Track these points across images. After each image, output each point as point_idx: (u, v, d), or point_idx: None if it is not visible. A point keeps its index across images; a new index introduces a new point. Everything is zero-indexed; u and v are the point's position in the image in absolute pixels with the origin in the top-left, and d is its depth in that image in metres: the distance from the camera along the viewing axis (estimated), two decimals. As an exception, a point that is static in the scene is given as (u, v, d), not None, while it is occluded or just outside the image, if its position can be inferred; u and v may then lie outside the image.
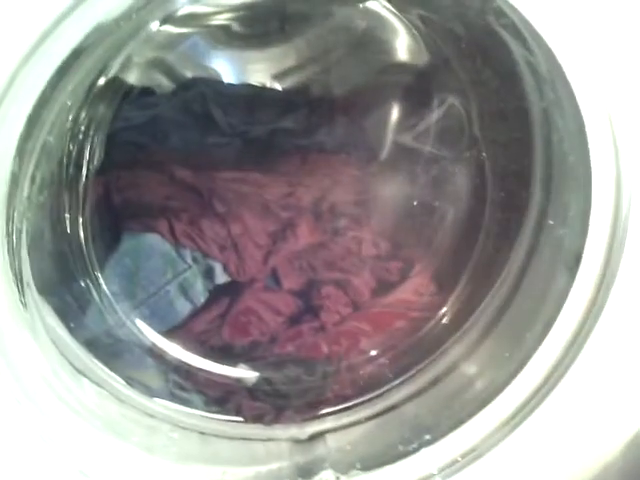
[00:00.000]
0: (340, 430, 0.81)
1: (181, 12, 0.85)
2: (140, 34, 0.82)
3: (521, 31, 0.61)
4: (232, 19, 0.94)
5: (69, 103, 0.71)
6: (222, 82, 1.04)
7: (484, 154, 0.91)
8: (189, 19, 0.91)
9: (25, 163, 0.60)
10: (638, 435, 0.65)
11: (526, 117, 0.76)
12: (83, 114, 0.84)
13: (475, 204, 0.94)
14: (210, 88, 1.04)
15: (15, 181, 0.58)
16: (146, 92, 1.00)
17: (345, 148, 1.03)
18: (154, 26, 0.83)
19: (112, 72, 0.86)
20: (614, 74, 0.56)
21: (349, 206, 1.02)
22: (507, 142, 0.87)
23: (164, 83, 1.01)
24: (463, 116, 0.92)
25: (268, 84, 1.05)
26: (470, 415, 0.70)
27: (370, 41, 0.95)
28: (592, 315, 0.63)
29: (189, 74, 1.03)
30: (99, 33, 0.56)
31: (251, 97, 1.05)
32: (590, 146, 0.61)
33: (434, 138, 0.98)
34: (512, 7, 0.57)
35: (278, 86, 1.05)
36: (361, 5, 0.89)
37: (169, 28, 0.91)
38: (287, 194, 1.00)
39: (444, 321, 0.93)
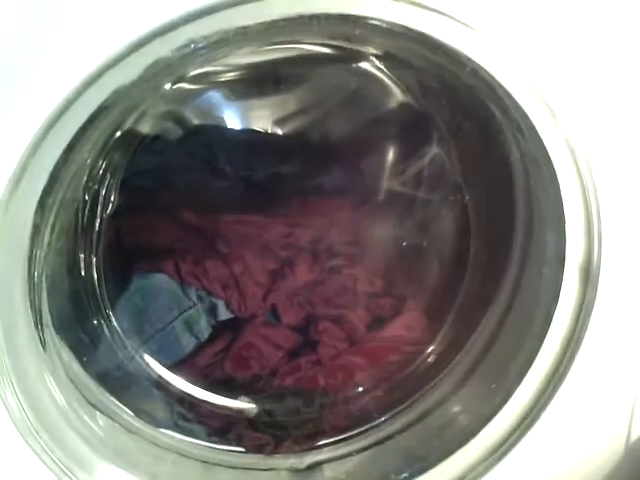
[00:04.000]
0: (336, 460, 0.84)
1: (192, 73, 0.88)
2: (154, 95, 0.86)
3: (495, 90, 0.65)
4: (239, 76, 0.98)
5: (86, 160, 0.76)
6: (227, 129, 1.08)
7: (467, 197, 0.95)
8: (200, 77, 0.95)
9: (46, 215, 0.64)
10: (623, 459, 0.68)
11: (506, 163, 0.80)
12: (99, 165, 0.89)
13: (461, 244, 0.97)
14: (215, 135, 1.07)
15: (37, 231, 0.63)
16: (157, 139, 1.03)
17: (341, 191, 1.06)
18: (167, 86, 0.87)
19: (127, 126, 0.90)
20: (582, 127, 0.62)
21: (344, 246, 1.05)
22: (489, 186, 0.91)
23: (173, 130, 1.05)
24: (446, 163, 0.96)
25: (270, 130, 1.09)
26: (459, 445, 0.73)
27: (362, 97, 0.99)
28: (572, 345, 0.67)
29: (196, 121, 1.06)
30: (114, 98, 0.62)
31: (254, 143, 1.09)
32: (562, 193, 0.66)
33: (421, 183, 1.01)
34: (484, 70, 0.63)
35: (279, 131, 1.10)
36: (354, 65, 0.93)
37: (182, 85, 0.94)
38: (286, 235, 1.03)
39: (433, 357, 0.95)
